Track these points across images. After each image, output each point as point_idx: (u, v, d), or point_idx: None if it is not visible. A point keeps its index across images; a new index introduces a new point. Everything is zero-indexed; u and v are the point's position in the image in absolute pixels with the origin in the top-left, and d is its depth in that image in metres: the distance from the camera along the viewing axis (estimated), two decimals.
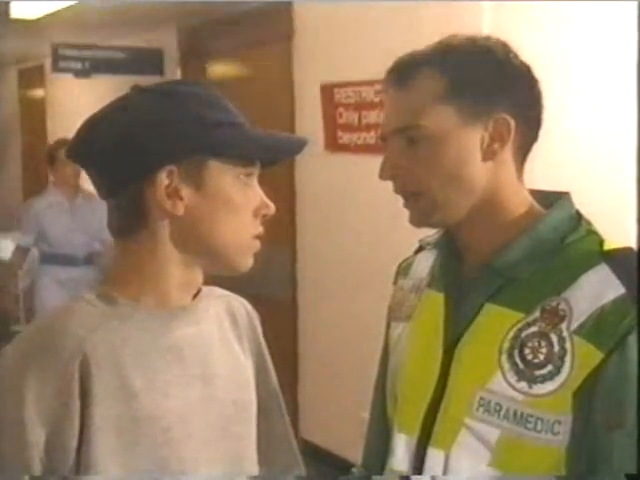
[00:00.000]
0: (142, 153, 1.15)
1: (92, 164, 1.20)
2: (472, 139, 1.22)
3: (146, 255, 1.18)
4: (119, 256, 1.21)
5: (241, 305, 1.37)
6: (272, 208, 1.21)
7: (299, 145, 1.24)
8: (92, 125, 1.18)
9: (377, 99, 3.73)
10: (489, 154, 1.23)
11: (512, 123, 1.22)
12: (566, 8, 2.92)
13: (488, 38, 1.27)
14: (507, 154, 1.25)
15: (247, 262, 1.22)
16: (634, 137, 2.44)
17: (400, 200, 1.28)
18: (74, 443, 1.10)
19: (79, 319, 1.14)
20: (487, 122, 1.22)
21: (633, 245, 1.23)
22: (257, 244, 1.21)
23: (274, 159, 1.24)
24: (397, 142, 1.25)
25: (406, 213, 1.28)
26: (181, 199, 1.15)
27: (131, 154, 1.15)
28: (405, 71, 1.24)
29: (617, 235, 1.25)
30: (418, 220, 1.28)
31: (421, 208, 1.25)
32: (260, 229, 1.21)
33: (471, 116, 1.22)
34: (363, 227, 3.99)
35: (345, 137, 4.04)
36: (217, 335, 1.27)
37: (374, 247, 3.88)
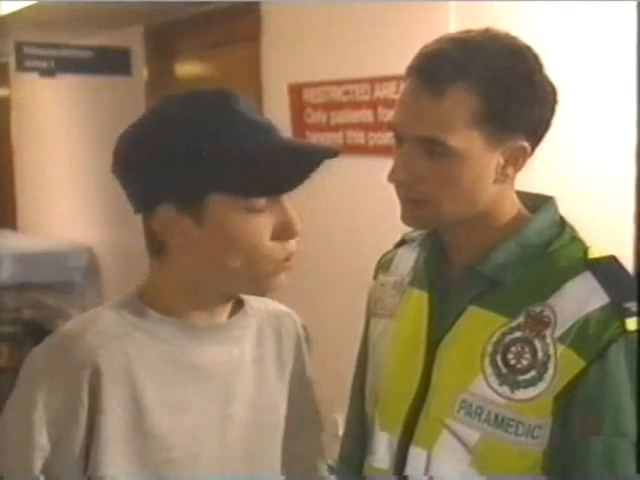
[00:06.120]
0: (143, 188, 1.13)
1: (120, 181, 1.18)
2: (490, 163, 1.20)
3: (169, 276, 1.17)
4: (151, 271, 1.20)
5: (291, 322, 1.32)
6: (293, 229, 1.13)
7: (320, 158, 1.16)
8: (120, 139, 1.16)
9: (345, 99, 3.72)
10: (502, 176, 1.21)
11: (529, 149, 1.21)
12: (548, 7, 2.85)
13: (528, 49, 1.20)
14: (513, 174, 1.24)
15: (274, 284, 1.15)
16: (634, 137, 2.43)
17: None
18: (80, 450, 1.10)
19: (98, 327, 1.13)
20: (507, 148, 1.20)
21: (630, 250, 1.24)
22: (286, 264, 1.15)
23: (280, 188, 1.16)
24: (416, 149, 1.19)
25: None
26: (182, 234, 1.12)
27: (134, 187, 1.14)
28: (441, 78, 1.17)
29: (616, 238, 1.25)
30: (413, 222, 1.27)
31: (422, 214, 1.23)
32: (286, 250, 1.13)
33: (495, 142, 1.18)
34: (333, 226, 3.98)
35: (313, 137, 4.02)
36: (251, 354, 1.24)
37: (346, 245, 3.88)
